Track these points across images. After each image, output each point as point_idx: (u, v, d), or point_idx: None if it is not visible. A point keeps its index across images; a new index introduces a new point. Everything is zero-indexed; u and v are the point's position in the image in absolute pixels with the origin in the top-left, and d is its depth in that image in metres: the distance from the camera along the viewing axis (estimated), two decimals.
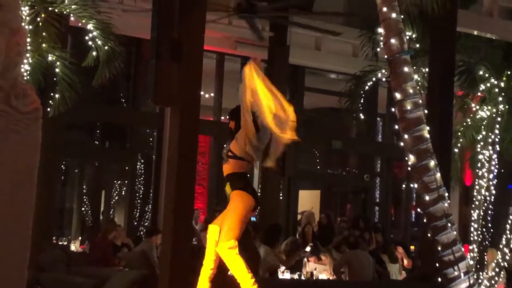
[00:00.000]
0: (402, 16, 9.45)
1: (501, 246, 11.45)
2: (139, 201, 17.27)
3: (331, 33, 14.50)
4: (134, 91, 17.18)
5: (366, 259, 11.61)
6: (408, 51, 9.32)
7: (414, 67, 10.59)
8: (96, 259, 11.41)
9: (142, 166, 17.55)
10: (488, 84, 11.89)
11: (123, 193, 17.81)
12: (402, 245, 14.27)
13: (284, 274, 10.62)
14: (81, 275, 10.30)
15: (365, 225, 15.07)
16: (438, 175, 9.04)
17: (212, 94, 17.02)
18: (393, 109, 9.68)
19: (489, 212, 11.59)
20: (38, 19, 10.74)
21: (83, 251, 13.42)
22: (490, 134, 11.86)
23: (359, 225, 14.95)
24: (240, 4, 11.48)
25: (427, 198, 8.99)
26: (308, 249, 12.94)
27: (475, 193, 11.86)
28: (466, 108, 12.68)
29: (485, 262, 11.52)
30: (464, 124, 12.61)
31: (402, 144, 9.24)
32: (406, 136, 9.07)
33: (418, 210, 10.68)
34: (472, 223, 11.72)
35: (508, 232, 11.42)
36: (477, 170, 11.93)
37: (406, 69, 9.12)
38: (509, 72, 11.98)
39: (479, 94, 12.33)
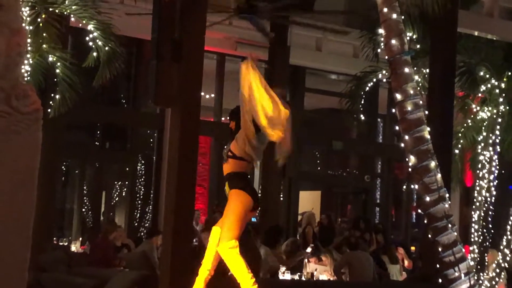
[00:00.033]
0: (402, 17, 9.44)
1: (501, 247, 11.46)
2: (139, 201, 17.28)
3: (336, 32, 14.47)
4: (135, 92, 17.19)
5: (367, 259, 11.60)
6: (408, 52, 9.31)
7: (415, 68, 10.59)
8: (97, 260, 11.41)
9: (142, 166, 17.56)
10: (489, 85, 11.89)
11: (123, 194, 17.82)
12: (402, 246, 14.27)
13: (284, 274, 10.62)
14: (82, 275, 10.30)
15: (366, 225, 15.05)
16: (439, 176, 9.03)
17: (212, 95, 17.02)
18: (393, 110, 9.68)
19: (490, 213, 11.59)
20: (39, 19, 10.74)
21: (83, 252, 13.42)
22: (490, 135, 11.86)
23: (360, 226, 14.93)
24: (241, 5, 11.47)
25: (427, 199, 8.98)
26: (308, 250, 12.94)
27: (475, 194, 11.86)
28: (466, 109, 12.68)
29: (486, 263, 11.52)
30: (465, 125, 12.61)
31: (402, 145, 9.23)
32: (406, 137, 9.07)
33: (419, 211, 10.69)
34: (473, 224, 11.72)
35: (508, 233, 11.43)
36: (478, 171, 11.93)
37: (406, 70, 9.12)
38: (509, 73, 11.98)
39: (479, 95, 12.33)
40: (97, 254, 11.62)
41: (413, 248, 16.69)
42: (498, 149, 11.86)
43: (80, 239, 15.44)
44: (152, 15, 8.79)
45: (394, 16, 9.12)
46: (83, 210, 17.16)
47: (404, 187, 19.62)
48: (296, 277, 10.72)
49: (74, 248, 14.05)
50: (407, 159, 9.14)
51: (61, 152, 14.18)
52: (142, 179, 17.45)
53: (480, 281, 10.94)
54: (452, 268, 8.94)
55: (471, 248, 11.54)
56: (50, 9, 10.81)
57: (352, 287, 11.13)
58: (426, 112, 9.59)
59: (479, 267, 11.28)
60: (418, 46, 12.14)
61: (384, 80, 13.51)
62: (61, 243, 13.96)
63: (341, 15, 16.67)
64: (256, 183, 16.15)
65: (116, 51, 11.16)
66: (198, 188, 14.54)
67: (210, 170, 17.82)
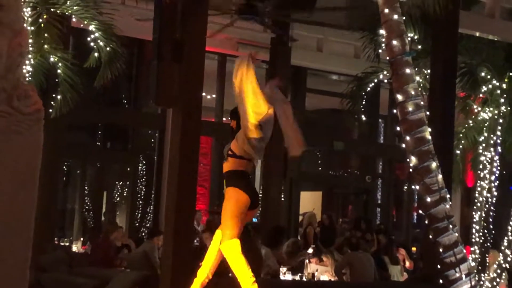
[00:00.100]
0: (404, 18, 9.44)
1: (502, 248, 11.45)
2: (140, 202, 17.28)
3: (339, 27, 14.44)
4: (136, 92, 17.20)
5: (368, 260, 11.60)
6: (410, 52, 9.31)
7: (416, 69, 10.58)
8: (98, 260, 11.42)
9: (143, 167, 17.57)
10: (490, 86, 11.88)
11: (124, 194, 17.83)
12: (404, 247, 14.25)
13: (285, 275, 10.61)
14: (83, 276, 10.32)
15: (367, 226, 15.06)
16: (440, 176, 9.03)
17: (214, 95, 17.03)
18: (394, 111, 9.68)
19: (491, 213, 11.58)
20: (40, 20, 10.74)
21: (84, 252, 13.43)
22: (492, 135, 11.86)
23: (361, 226, 14.94)
24: (241, 5, 11.47)
25: (428, 199, 8.98)
26: (310, 250, 12.93)
27: (476, 195, 11.85)
28: (468, 110, 12.67)
29: (487, 264, 11.51)
30: (466, 125, 12.60)
31: (403, 145, 9.23)
32: (407, 138, 9.07)
33: (420, 211, 10.69)
34: (474, 225, 11.71)
35: (509, 233, 11.42)
36: (479, 172, 11.92)
37: (408, 70, 9.12)
38: (511, 74, 11.97)
39: (481, 95, 12.32)
40: (98, 254, 11.63)
41: (414, 248, 16.68)
42: (499, 150, 11.85)
43: (81, 239, 15.44)
44: (153, 16, 8.80)
45: (396, 17, 9.12)
46: (84, 210, 17.18)
47: (405, 187, 19.63)
48: (297, 277, 10.72)
49: (75, 248, 14.05)
50: (408, 160, 9.14)
51: (62, 152, 14.19)
52: (143, 180, 17.46)
53: (481, 282, 10.93)
54: (453, 269, 8.94)
55: (472, 249, 11.53)
56: (52, 10, 10.82)
57: (353, 287, 11.13)
58: (427, 113, 9.58)
59: (480, 267, 11.27)
60: (419, 46, 12.13)
61: (385, 80, 13.48)
62: (62, 243, 13.95)
63: (342, 15, 16.64)
64: (257, 183, 16.15)
65: (117, 51, 11.16)
66: (199, 189, 14.52)
67: (211, 170, 17.83)
